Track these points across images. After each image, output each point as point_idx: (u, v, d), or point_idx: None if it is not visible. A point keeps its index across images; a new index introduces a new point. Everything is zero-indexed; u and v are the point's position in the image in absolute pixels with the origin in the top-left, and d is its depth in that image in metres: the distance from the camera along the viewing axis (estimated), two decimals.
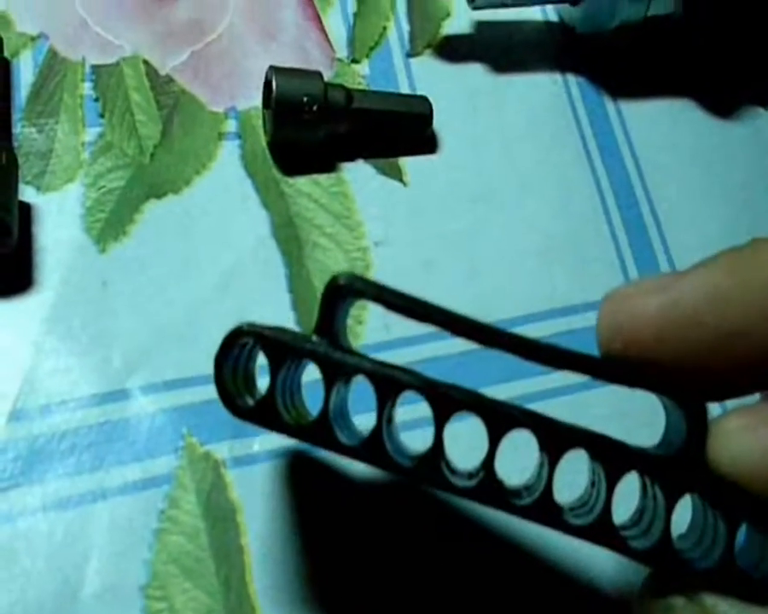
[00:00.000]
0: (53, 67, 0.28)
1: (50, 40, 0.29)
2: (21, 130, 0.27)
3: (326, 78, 0.28)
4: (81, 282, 0.26)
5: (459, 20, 0.32)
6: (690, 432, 0.16)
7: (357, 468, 0.23)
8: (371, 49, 0.31)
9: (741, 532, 0.16)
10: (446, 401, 0.17)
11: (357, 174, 0.29)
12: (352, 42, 0.31)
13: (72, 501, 0.23)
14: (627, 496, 0.17)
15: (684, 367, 0.16)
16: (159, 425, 0.24)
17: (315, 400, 0.18)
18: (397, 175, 0.29)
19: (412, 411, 0.19)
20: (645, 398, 0.17)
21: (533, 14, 0.32)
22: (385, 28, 0.31)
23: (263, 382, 0.18)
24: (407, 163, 0.29)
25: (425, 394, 0.17)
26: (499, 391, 0.25)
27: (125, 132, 0.28)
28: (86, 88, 0.28)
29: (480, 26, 0.32)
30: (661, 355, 0.16)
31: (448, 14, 0.32)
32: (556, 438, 0.17)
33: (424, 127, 0.29)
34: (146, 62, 0.29)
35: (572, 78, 0.31)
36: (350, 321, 0.25)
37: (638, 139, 0.31)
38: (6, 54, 0.28)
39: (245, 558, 0.23)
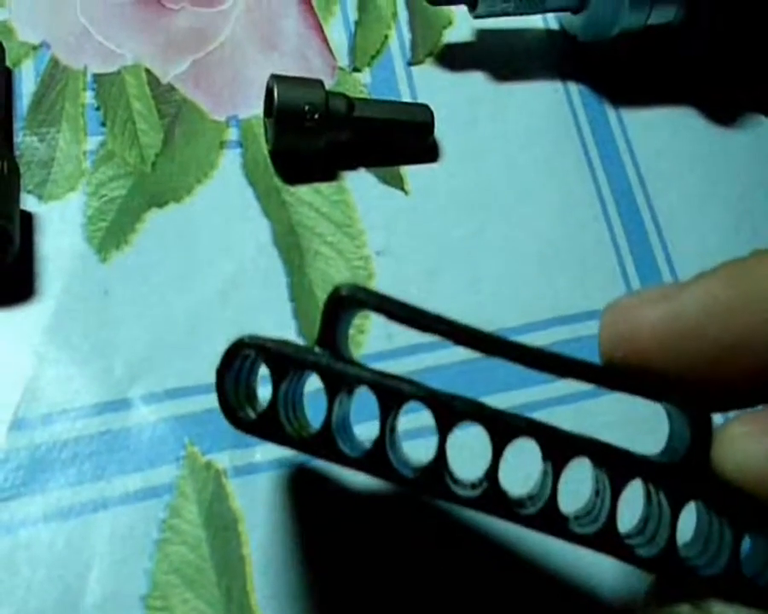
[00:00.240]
0: (54, 76, 0.29)
1: (52, 49, 0.29)
2: (23, 138, 0.27)
3: (327, 87, 0.28)
4: (82, 291, 0.26)
5: (460, 29, 0.32)
6: (694, 439, 0.16)
7: (359, 478, 0.23)
8: (372, 57, 0.31)
9: (747, 539, 0.16)
10: (449, 411, 0.17)
11: (359, 182, 0.29)
12: (353, 50, 0.31)
13: (73, 510, 0.23)
14: (632, 504, 0.17)
15: (687, 377, 0.16)
16: (160, 434, 0.24)
17: (316, 410, 0.18)
18: (398, 183, 0.29)
19: (414, 420, 0.19)
20: (649, 406, 0.17)
21: (535, 22, 0.32)
22: (386, 36, 0.31)
23: (264, 392, 0.18)
24: (408, 171, 0.29)
25: (428, 404, 0.17)
26: (502, 400, 0.25)
27: (127, 141, 0.28)
28: (88, 97, 0.28)
29: (482, 34, 0.32)
30: (663, 365, 0.16)
31: (449, 23, 0.32)
32: (560, 447, 0.17)
33: (425, 135, 0.29)
34: (147, 71, 0.29)
35: (573, 86, 0.31)
36: (352, 331, 0.25)
37: (639, 147, 0.31)
38: (8, 63, 0.28)
39: (246, 568, 0.23)
